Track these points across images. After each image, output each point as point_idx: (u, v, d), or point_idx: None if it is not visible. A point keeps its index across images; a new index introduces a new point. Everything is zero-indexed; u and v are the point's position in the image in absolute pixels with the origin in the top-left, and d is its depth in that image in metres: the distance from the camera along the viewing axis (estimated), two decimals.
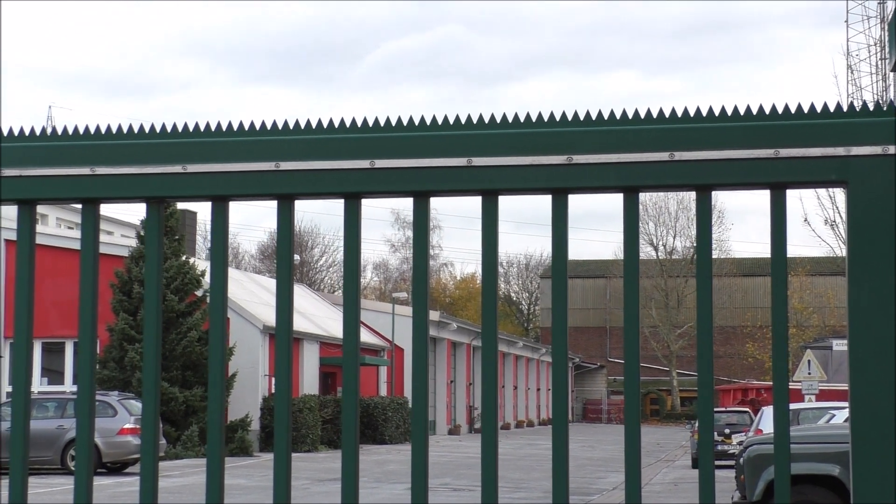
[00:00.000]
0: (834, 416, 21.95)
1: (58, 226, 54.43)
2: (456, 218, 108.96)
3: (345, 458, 2.92)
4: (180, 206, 36.15)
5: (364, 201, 2.98)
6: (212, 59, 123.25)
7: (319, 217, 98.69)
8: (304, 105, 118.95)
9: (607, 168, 2.77)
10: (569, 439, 2.86)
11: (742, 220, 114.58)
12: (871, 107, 2.69)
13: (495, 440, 2.86)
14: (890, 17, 5.77)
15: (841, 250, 54.37)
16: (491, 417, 2.87)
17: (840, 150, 2.66)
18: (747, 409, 36.27)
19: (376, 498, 20.76)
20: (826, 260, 69.25)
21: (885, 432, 2.61)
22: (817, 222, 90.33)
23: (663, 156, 2.74)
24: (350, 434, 2.93)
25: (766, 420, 25.26)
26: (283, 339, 3.01)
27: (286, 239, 3.02)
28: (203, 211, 65.88)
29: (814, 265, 71.76)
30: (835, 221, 53.46)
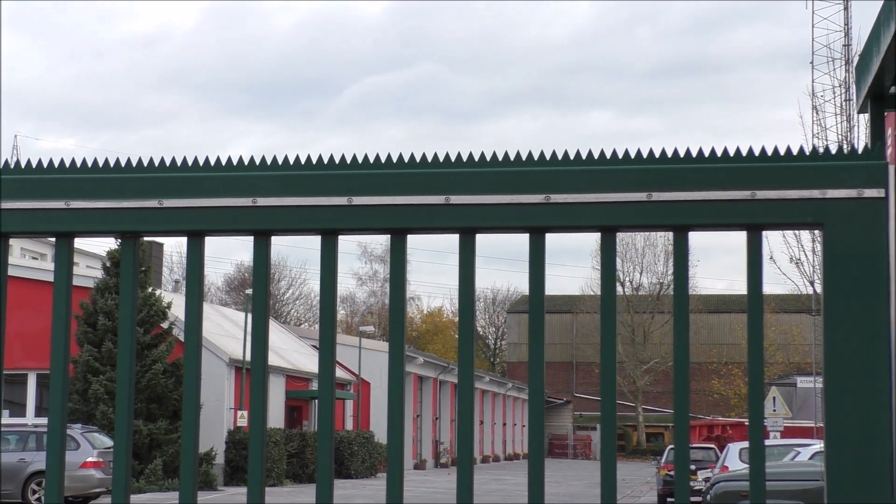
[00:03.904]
0: (799, 453, 22.03)
1: (22, 256, 54.00)
2: (423, 252, 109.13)
3: (319, 493, 2.90)
4: (147, 237, 36.01)
5: (341, 235, 2.98)
6: (191, 92, 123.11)
7: (287, 250, 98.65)
8: (283, 139, 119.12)
9: (585, 208, 2.78)
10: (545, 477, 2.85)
11: (708, 257, 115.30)
12: (846, 150, 2.72)
13: (471, 478, 2.85)
14: (855, 60, 5.83)
15: (805, 288, 54.68)
16: (467, 455, 2.86)
17: (816, 193, 2.69)
18: (713, 446, 36.32)
19: None
20: (790, 297, 69.59)
21: (860, 471, 2.62)
22: (782, 260, 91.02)
23: (641, 196, 2.76)
24: (325, 469, 2.91)
25: (732, 457, 25.31)
26: (259, 373, 2.99)
27: (262, 274, 3.01)
28: (169, 243, 65.61)
29: (778, 302, 72.14)
30: (799, 259, 53.77)
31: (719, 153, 2.77)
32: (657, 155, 2.78)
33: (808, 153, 2.73)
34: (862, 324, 2.64)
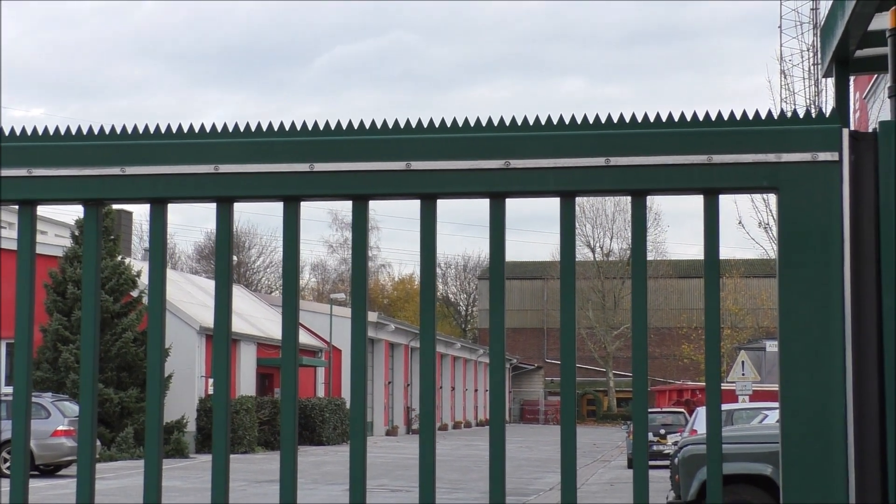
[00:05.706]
0: (767, 416, 22.25)
1: None
2: (394, 219, 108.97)
3: (283, 459, 2.93)
4: (116, 206, 35.78)
5: (303, 201, 3.00)
6: (162, 61, 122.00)
7: (257, 217, 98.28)
8: (256, 108, 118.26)
9: (544, 173, 2.81)
10: (506, 440, 2.90)
11: (678, 223, 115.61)
12: (801, 114, 2.76)
13: (433, 441, 2.88)
14: (822, 23, 5.84)
15: (775, 253, 54.97)
16: (429, 418, 2.89)
17: (771, 157, 2.72)
18: (682, 410, 36.61)
19: (314, 499, 20.70)
20: (760, 262, 70.06)
21: (815, 434, 2.67)
22: (752, 225, 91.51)
23: (599, 161, 2.78)
24: (289, 435, 2.94)
25: (701, 421, 25.51)
26: (222, 340, 3.01)
27: (225, 241, 3.02)
28: (139, 211, 65.29)
29: (748, 267, 72.55)
30: (768, 224, 54.06)
31: (676, 118, 2.80)
32: (615, 120, 2.81)
33: (763, 117, 2.76)
34: (816, 287, 2.68)
